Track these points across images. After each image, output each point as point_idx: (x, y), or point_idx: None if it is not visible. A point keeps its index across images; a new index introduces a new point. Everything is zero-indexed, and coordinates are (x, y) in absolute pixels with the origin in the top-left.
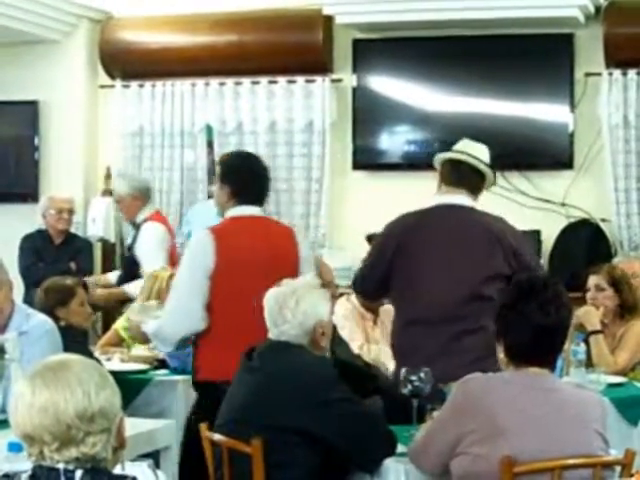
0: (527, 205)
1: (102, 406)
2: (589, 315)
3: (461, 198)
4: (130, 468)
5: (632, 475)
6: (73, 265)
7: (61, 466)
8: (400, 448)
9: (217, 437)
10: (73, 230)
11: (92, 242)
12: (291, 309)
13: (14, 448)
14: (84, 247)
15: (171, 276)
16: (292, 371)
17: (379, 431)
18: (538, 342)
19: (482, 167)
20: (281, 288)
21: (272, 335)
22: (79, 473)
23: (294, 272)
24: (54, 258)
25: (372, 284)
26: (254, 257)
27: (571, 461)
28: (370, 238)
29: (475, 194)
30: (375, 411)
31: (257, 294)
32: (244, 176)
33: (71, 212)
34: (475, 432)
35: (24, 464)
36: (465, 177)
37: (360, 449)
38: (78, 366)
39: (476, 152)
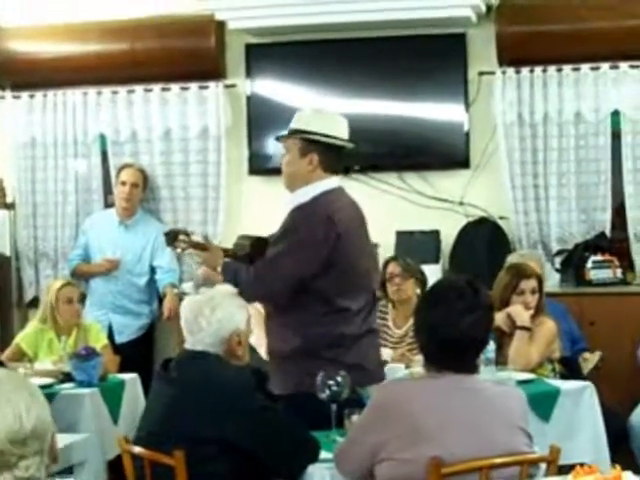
0: (425, 205)
1: (34, 426)
2: (520, 311)
3: (335, 180)
4: None
5: (569, 472)
6: None
7: None
8: (324, 454)
9: (138, 450)
10: None
11: None
12: (206, 317)
13: None
14: None
15: (61, 287)
16: (210, 381)
17: (301, 438)
18: (447, 353)
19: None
20: (198, 296)
21: (188, 344)
22: None
23: None
24: None
25: (295, 284)
26: None
27: (498, 460)
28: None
29: None
30: (294, 419)
31: None
32: None
33: None
34: (398, 438)
35: None
36: (340, 162)
37: (282, 457)
38: (5, 383)
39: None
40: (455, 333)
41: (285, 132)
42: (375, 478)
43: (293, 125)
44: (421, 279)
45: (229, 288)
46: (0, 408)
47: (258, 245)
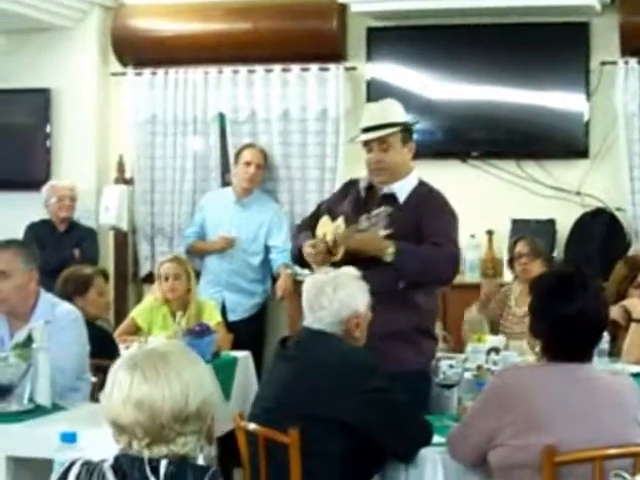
0: (542, 194)
1: (198, 408)
2: (637, 304)
3: None
4: None
5: None
6: (77, 252)
7: (146, 455)
8: (436, 438)
9: (252, 426)
10: (84, 218)
11: (98, 230)
12: (328, 295)
13: (68, 439)
14: (88, 234)
15: (162, 264)
16: (329, 360)
17: (415, 420)
18: (575, 342)
19: None
20: (322, 275)
21: (307, 322)
22: (164, 462)
23: None
24: (57, 246)
25: None
26: None
27: (612, 451)
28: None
29: None
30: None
31: None
32: None
33: (73, 199)
34: (513, 424)
35: (77, 454)
36: None
37: (396, 438)
38: (179, 361)
39: None
40: (590, 322)
41: (376, 132)
42: (489, 464)
43: (382, 120)
44: (548, 259)
45: (353, 270)
46: (170, 381)
47: None
